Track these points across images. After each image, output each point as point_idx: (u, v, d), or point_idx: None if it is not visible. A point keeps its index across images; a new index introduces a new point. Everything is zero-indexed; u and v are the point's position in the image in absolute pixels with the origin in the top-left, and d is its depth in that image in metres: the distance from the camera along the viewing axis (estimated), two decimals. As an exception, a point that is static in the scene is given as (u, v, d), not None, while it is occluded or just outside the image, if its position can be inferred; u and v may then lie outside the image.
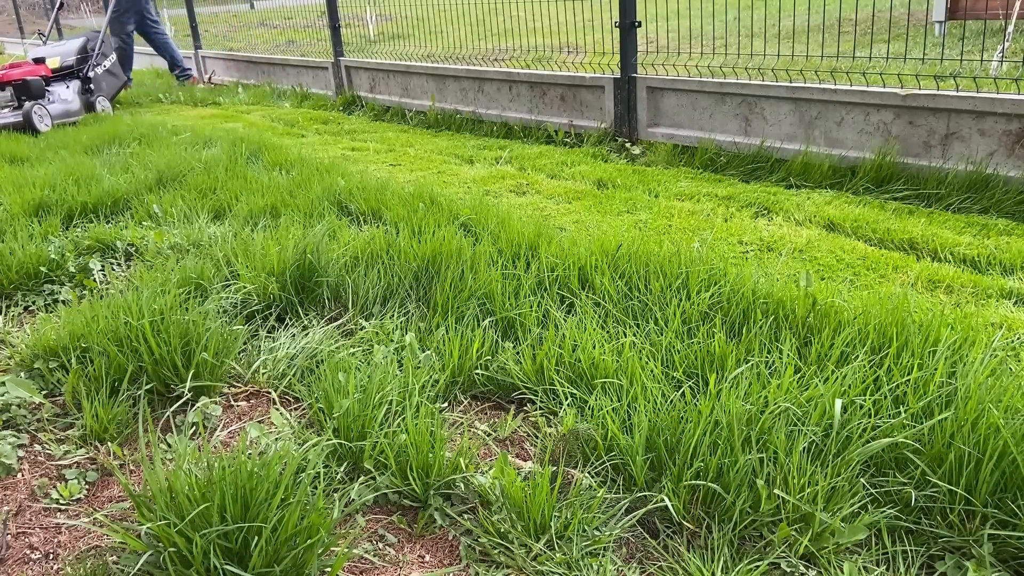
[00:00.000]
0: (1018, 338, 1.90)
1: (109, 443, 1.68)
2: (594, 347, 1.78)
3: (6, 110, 5.74)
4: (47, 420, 1.78)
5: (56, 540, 1.44)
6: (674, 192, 3.42)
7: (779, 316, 1.89)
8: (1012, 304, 2.14)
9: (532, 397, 1.77)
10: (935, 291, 2.26)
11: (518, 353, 1.87)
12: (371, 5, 7.93)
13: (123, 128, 5.14)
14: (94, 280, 2.52)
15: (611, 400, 1.61)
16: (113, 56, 7.13)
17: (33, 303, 2.45)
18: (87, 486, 1.58)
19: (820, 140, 3.53)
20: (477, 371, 1.84)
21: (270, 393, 1.86)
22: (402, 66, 5.93)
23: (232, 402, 1.84)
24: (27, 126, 5.66)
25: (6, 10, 17.15)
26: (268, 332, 2.10)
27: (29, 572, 1.36)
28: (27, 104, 5.77)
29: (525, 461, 1.59)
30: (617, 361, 1.74)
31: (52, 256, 2.59)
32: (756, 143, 3.71)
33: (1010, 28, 4.60)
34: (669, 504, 1.37)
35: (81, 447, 1.69)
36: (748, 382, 1.57)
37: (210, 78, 8.92)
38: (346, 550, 1.33)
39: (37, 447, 1.71)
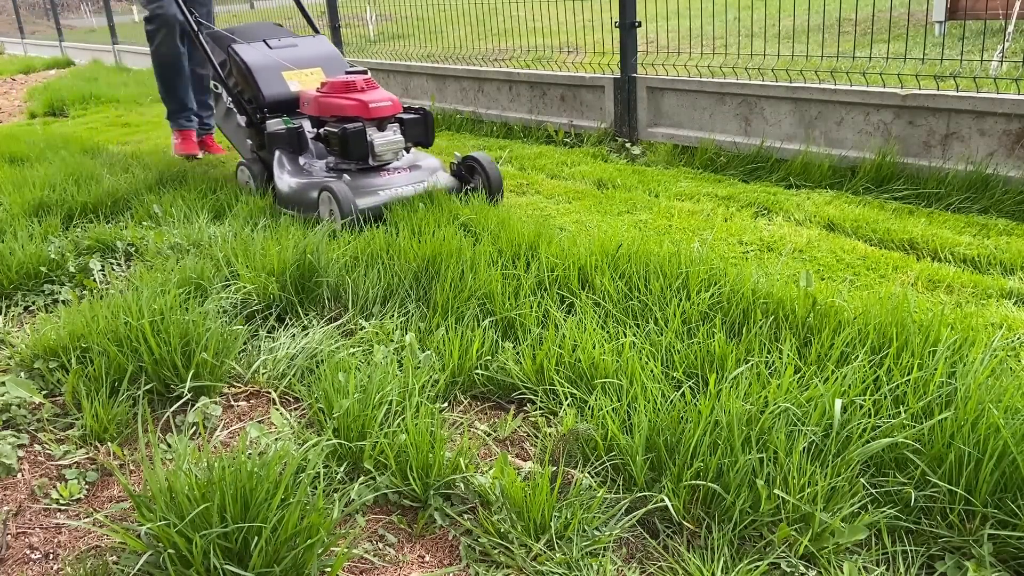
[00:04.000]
0: (1018, 338, 1.90)
1: (109, 443, 1.68)
2: (594, 347, 1.78)
3: (404, 170, 3.11)
4: (47, 420, 1.78)
5: (56, 540, 1.44)
6: (674, 192, 3.42)
7: (779, 316, 1.89)
8: (1012, 304, 2.14)
9: (532, 397, 1.77)
10: (935, 291, 2.26)
11: (518, 353, 1.87)
12: (371, 5, 7.93)
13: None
14: (94, 280, 2.52)
15: (611, 400, 1.61)
16: None
17: (33, 303, 2.45)
18: (87, 486, 1.58)
19: (820, 140, 3.53)
20: (477, 371, 1.84)
21: (270, 393, 1.86)
22: (402, 66, 5.93)
23: (232, 402, 1.84)
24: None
25: (6, 10, 17.15)
26: (268, 332, 2.10)
27: (29, 572, 1.36)
28: (427, 157, 3.26)
29: (525, 461, 1.59)
30: (617, 361, 1.74)
31: (52, 256, 2.59)
32: (756, 143, 3.71)
33: (1010, 28, 4.60)
34: (669, 504, 1.37)
35: (81, 447, 1.69)
36: (748, 382, 1.57)
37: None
38: (346, 550, 1.33)
39: (37, 447, 1.71)
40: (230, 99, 3.44)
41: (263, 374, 1.91)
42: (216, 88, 3.54)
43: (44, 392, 1.87)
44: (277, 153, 3.21)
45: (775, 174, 3.51)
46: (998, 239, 2.60)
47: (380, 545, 1.40)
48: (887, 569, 1.27)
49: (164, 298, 1.96)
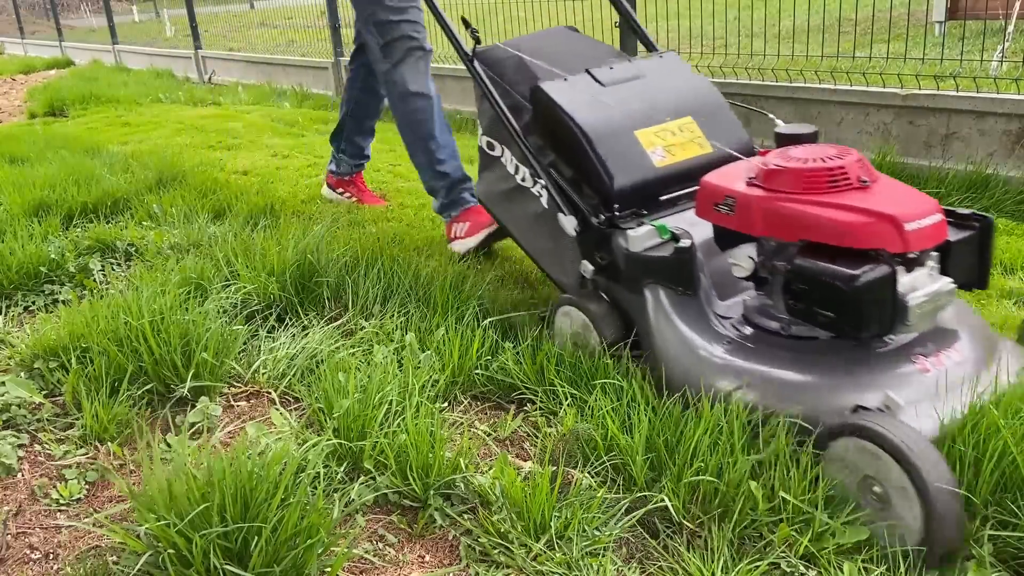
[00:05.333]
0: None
1: (109, 443, 1.68)
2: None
3: (951, 347, 1.45)
4: (47, 420, 1.78)
5: (56, 540, 1.44)
6: (674, 192, 3.41)
7: (779, 316, 1.88)
8: (1012, 304, 2.13)
9: (532, 397, 1.77)
10: (935, 291, 2.26)
11: (518, 353, 1.87)
12: (371, 5, 7.93)
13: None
14: (94, 280, 2.52)
15: (611, 400, 1.61)
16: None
17: (33, 303, 2.44)
18: (87, 486, 1.58)
19: (820, 140, 3.52)
20: (477, 371, 1.84)
21: (270, 393, 1.86)
22: (402, 66, 5.92)
23: (232, 402, 1.84)
24: None
25: (6, 10, 17.15)
26: (268, 332, 2.10)
27: (29, 572, 1.36)
28: (957, 305, 1.52)
29: (525, 461, 1.59)
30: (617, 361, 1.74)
31: (52, 256, 2.59)
32: (756, 143, 3.70)
33: (1010, 28, 4.60)
34: (669, 504, 1.37)
35: (81, 447, 1.69)
36: (748, 382, 1.57)
37: (210, 78, 8.93)
38: (346, 550, 1.33)
39: (37, 447, 1.71)
40: (528, 175, 2.01)
41: (263, 374, 1.91)
42: (491, 150, 2.16)
43: (44, 392, 1.87)
44: (650, 295, 1.70)
45: (775, 174, 3.50)
46: (998, 239, 2.60)
47: (380, 545, 1.40)
48: (887, 569, 1.27)
49: (164, 298, 1.96)
